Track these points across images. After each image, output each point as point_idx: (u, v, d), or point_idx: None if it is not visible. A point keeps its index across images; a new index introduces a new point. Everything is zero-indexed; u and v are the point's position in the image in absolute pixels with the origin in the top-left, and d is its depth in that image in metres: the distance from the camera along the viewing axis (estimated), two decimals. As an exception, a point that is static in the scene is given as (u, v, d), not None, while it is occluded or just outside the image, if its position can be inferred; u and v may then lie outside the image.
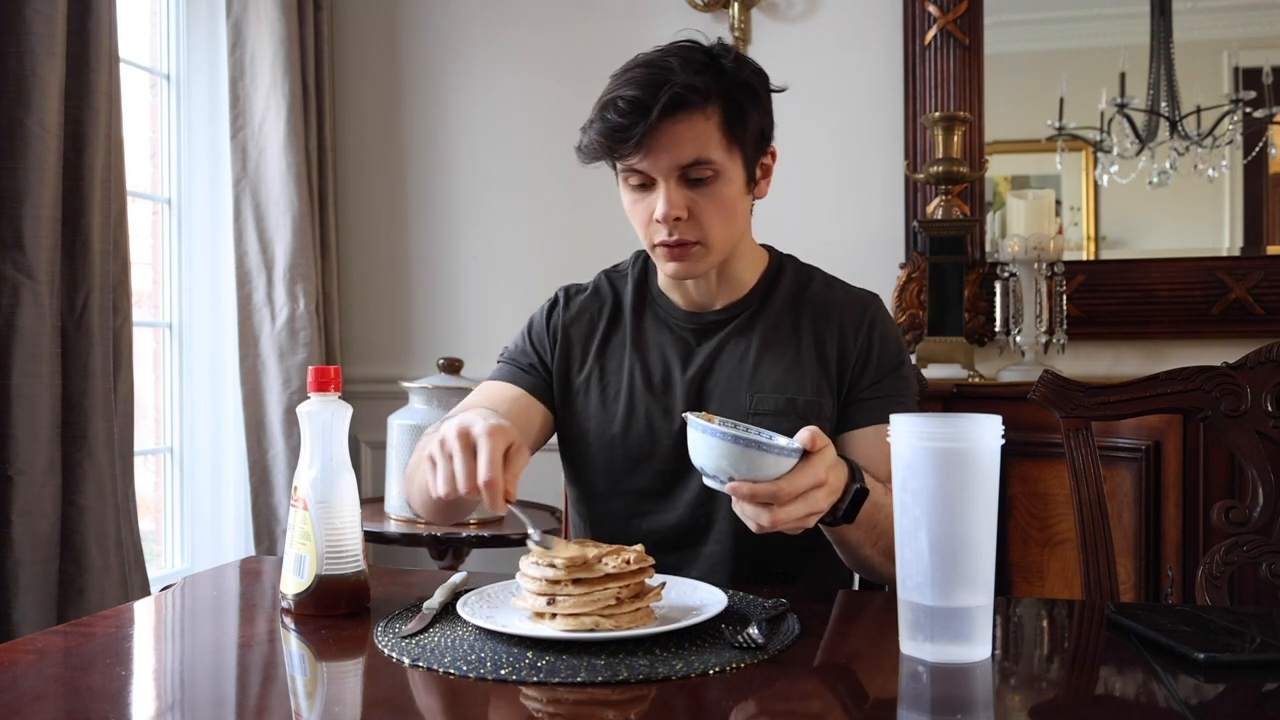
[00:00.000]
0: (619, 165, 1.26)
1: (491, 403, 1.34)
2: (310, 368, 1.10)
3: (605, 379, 1.37)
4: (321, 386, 1.08)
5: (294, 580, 1.05)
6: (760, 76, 1.30)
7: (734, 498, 1.01)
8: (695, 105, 1.21)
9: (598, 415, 1.36)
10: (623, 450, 1.34)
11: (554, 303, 1.44)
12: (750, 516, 1.02)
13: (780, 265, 1.41)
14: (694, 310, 1.37)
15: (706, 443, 1.00)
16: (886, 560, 1.07)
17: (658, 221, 1.25)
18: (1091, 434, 1.36)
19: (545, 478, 2.64)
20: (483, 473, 0.98)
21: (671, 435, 1.31)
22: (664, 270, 1.32)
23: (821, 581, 1.37)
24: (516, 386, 1.38)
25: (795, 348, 1.34)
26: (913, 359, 2.52)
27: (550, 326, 1.42)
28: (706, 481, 1.04)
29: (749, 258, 1.38)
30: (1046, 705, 0.85)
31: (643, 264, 1.44)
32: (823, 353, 1.33)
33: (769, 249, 1.43)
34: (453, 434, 1.01)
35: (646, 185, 1.26)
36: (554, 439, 1.43)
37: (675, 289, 1.38)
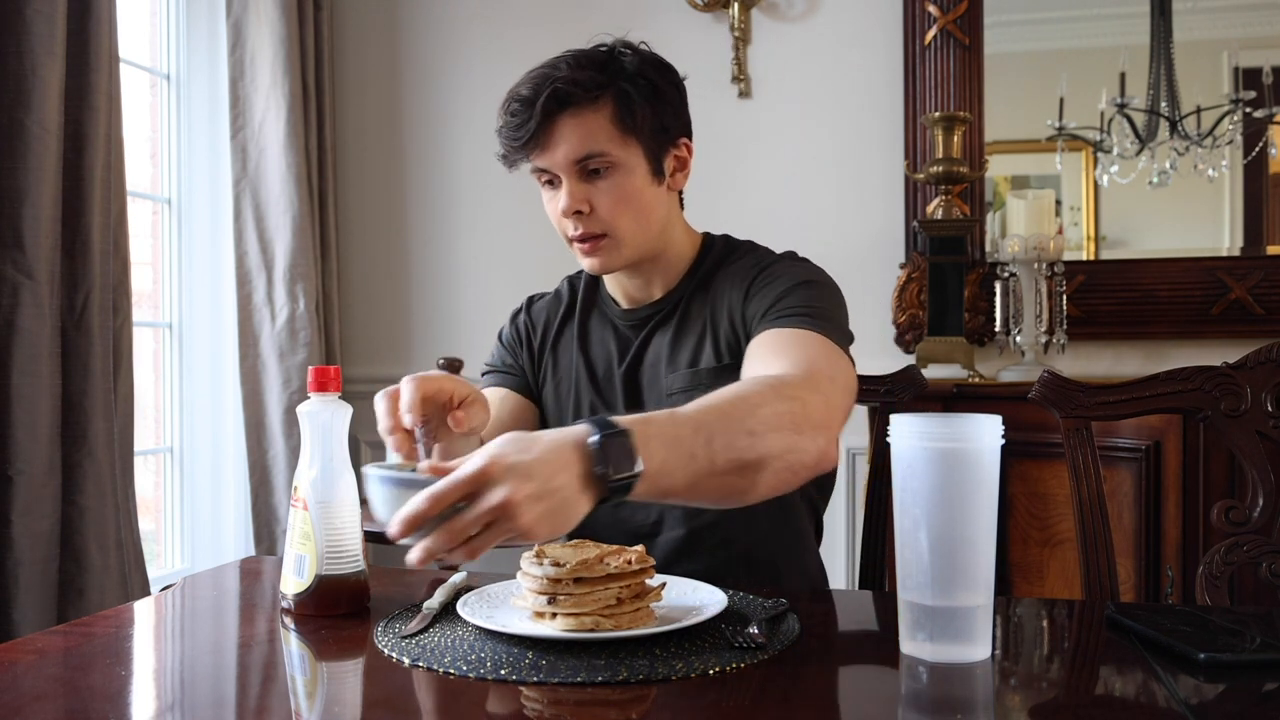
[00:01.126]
0: (530, 167, 1.31)
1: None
2: (310, 368, 1.10)
3: (558, 376, 1.43)
4: (321, 386, 1.08)
5: (294, 580, 1.05)
6: (660, 70, 1.33)
7: (423, 548, 0.84)
8: (583, 100, 1.25)
9: (554, 411, 1.42)
10: None
11: (517, 311, 1.51)
12: (445, 555, 0.85)
13: (708, 248, 1.42)
14: (632, 306, 1.41)
15: (372, 491, 0.89)
16: (739, 473, 0.98)
17: (564, 217, 1.29)
18: (1091, 434, 1.36)
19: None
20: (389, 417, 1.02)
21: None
22: (583, 265, 1.35)
23: (793, 557, 1.37)
24: (503, 388, 1.45)
25: (704, 320, 1.35)
26: (912, 359, 2.53)
27: (515, 331, 1.49)
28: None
29: (680, 248, 1.39)
30: (1046, 705, 0.85)
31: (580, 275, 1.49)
32: (718, 314, 1.34)
33: (708, 236, 1.44)
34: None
35: (554, 183, 1.30)
36: None
37: (617, 287, 1.42)
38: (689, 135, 1.37)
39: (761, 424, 1.00)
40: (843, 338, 1.23)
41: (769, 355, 1.17)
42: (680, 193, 1.40)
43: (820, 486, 1.44)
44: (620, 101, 1.27)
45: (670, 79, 1.34)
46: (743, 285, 1.32)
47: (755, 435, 0.99)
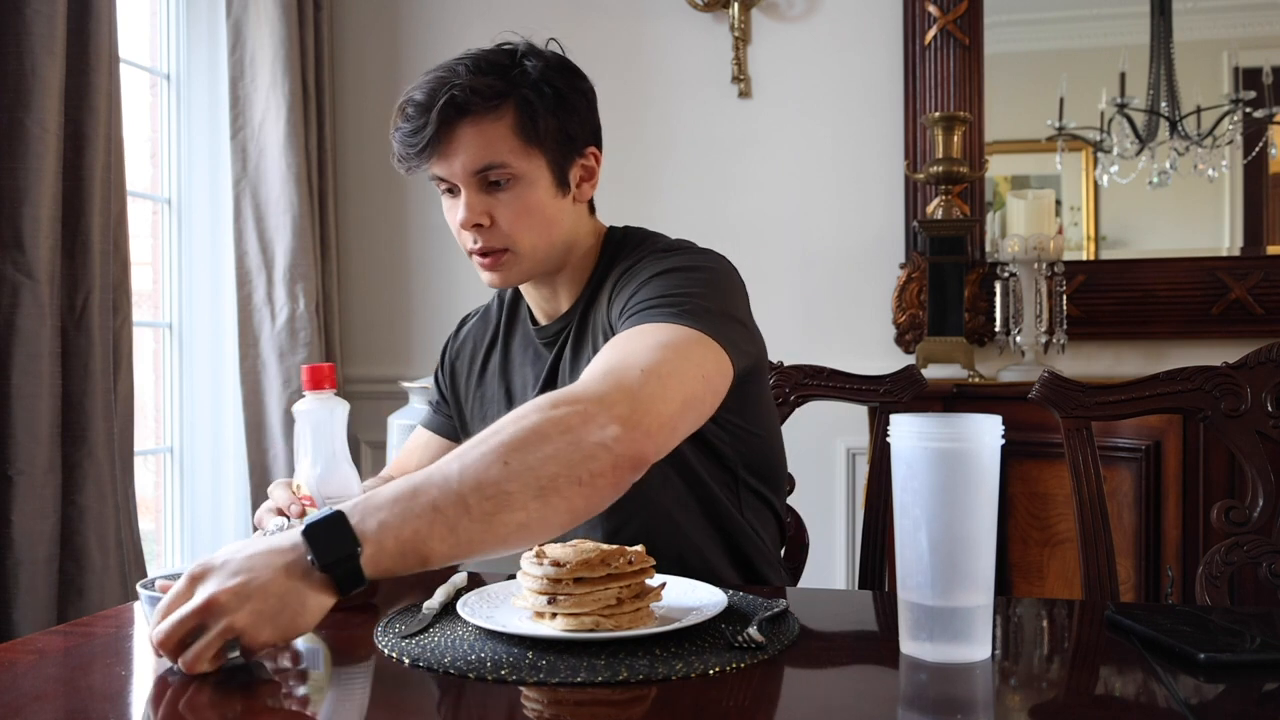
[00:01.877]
0: (428, 175, 1.25)
1: (411, 454, 1.42)
2: (304, 367, 1.10)
3: (484, 406, 1.38)
4: (316, 384, 1.08)
5: None
6: (566, 76, 1.27)
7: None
8: (481, 108, 1.19)
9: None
10: None
11: (448, 340, 1.47)
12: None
13: (605, 245, 1.33)
14: (546, 321, 1.35)
15: (147, 610, 0.90)
16: (510, 508, 0.89)
17: (463, 229, 1.23)
18: (1091, 434, 1.36)
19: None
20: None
21: None
22: (482, 279, 1.28)
23: (727, 548, 1.31)
24: (429, 431, 1.45)
25: (593, 331, 1.29)
26: (912, 359, 2.53)
27: (445, 363, 1.46)
28: None
29: (585, 255, 1.32)
30: (1046, 705, 0.85)
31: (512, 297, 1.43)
32: (599, 324, 1.27)
33: (609, 232, 1.35)
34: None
35: (454, 191, 1.24)
36: None
37: (533, 302, 1.36)
38: (598, 144, 1.30)
39: (512, 449, 0.90)
40: (708, 320, 1.10)
41: (591, 364, 1.06)
42: (590, 200, 1.33)
43: (761, 475, 1.33)
44: (522, 110, 1.21)
45: (577, 85, 1.28)
46: (611, 286, 1.25)
47: (508, 464, 0.89)
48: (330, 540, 0.85)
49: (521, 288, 1.36)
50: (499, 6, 2.93)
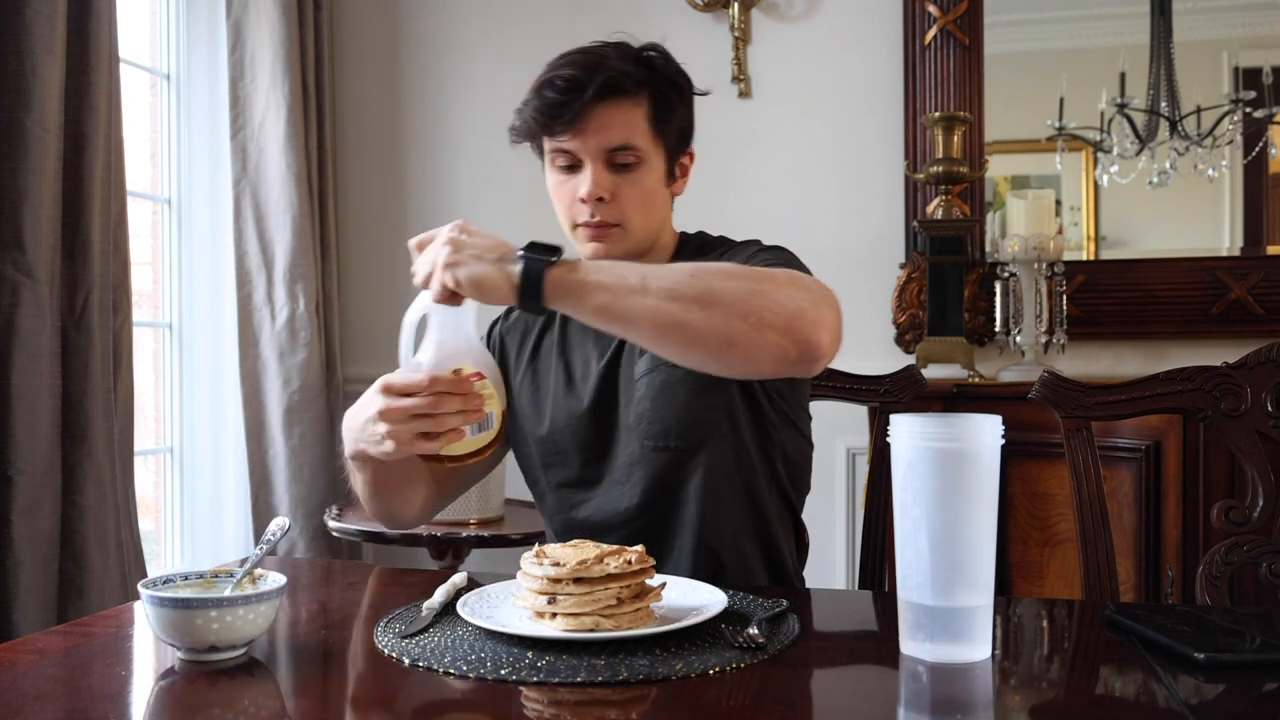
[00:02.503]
0: (548, 145, 1.33)
1: None
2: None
3: (536, 383, 1.41)
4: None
5: (474, 439, 1.09)
6: (686, 78, 1.36)
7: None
8: (627, 92, 1.28)
9: (530, 417, 1.40)
10: (549, 446, 1.37)
11: (500, 317, 1.50)
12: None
13: (684, 244, 1.43)
14: None
15: (148, 610, 0.94)
16: (680, 303, 1.03)
17: (581, 201, 1.29)
18: (1091, 434, 1.36)
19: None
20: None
21: (584, 425, 1.34)
22: (582, 251, 1.34)
23: (761, 546, 1.35)
24: None
25: None
26: (912, 359, 2.53)
27: (492, 337, 1.48)
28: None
29: (663, 248, 1.40)
30: (1046, 705, 0.85)
31: None
32: None
33: (683, 234, 1.45)
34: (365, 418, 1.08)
35: (573, 167, 1.31)
36: None
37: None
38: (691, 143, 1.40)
39: (709, 271, 1.06)
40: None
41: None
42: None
43: (793, 479, 1.39)
44: (657, 101, 1.30)
45: (692, 88, 1.37)
46: (713, 254, 1.35)
47: (697, 275, 1.05)
48: (540, 246, 1.05)
49: None
50: (499, 6, 2.93)
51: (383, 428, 1.06)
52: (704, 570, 1.29)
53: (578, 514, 1.36)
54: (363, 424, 1.11)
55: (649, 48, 1.34)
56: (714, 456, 1.30)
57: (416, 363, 1.08)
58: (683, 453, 1.29)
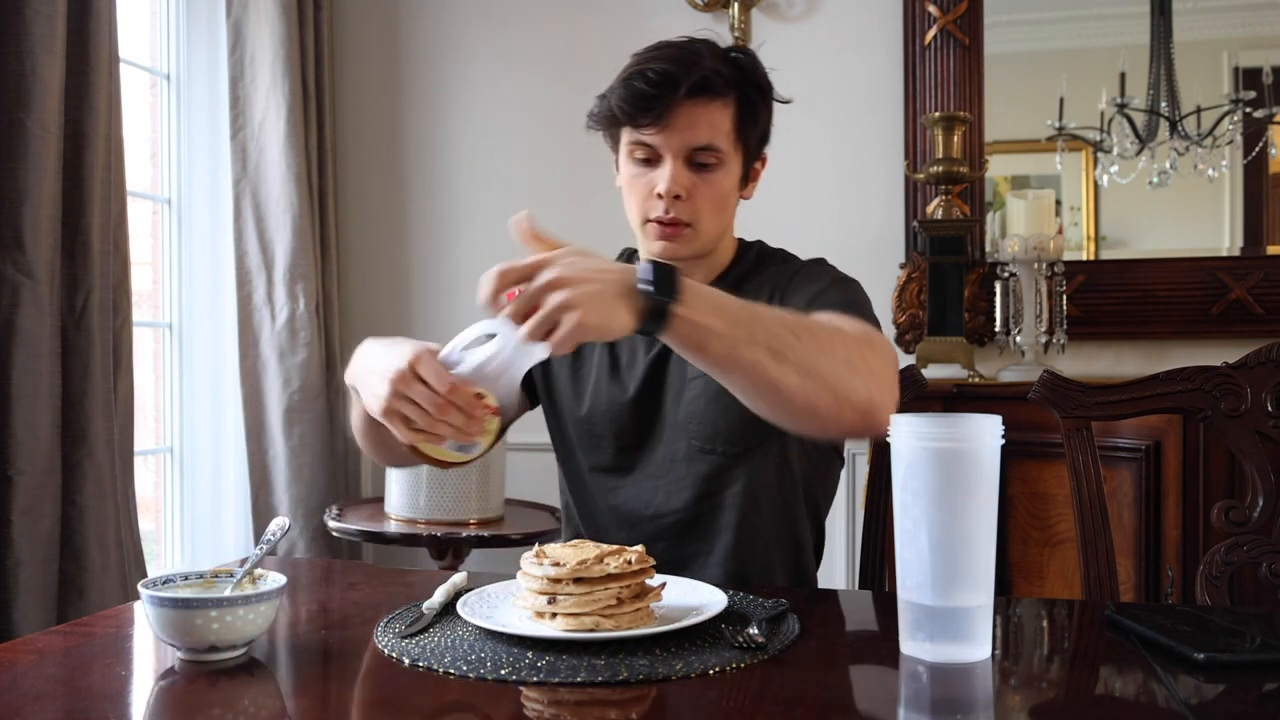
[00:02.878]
0: (628, 137, 1.30)
1: None
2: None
3: (578, 364, 1.41)
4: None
5: (447, 450, 1.08)
6: (769, 83, 1.35)
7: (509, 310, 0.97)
8: (717, 92, 1.26)
9: (568, 396, 1.40)
10: (586, 429, 1.37)
11: None
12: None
13: (744, 252, 1.43)
14: None
15: (148, 609, 0.93)
16: (780, 365, 1.02)
17: (657, 197, 1.28)
18: (1091, 434, 1.36)
19: (543, 478, 2.64)
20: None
21: (624, 413, 1.34)
22: (650, 249, 1.34)
23: (788, 556, 1.37)
24: None
25: None
26: (912, 359, 2.53)
27: None
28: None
29: (724, 250, 1.40)
30: (1046, 705, 0.85)
31: (626, 259, 1.46)
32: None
33: (742, 241, 1.45)
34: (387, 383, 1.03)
35: (651, 161, 1.29)
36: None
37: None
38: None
39: (811, 333, 1.05)
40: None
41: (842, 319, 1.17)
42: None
43: (824, 496, 1.44)
44: (743, 105, 1.30)
45: (775, 94, 1.36)
46: (774, 289, 1.34)
47: (799, 338, 1.03)
48: (663, 278, 0.98)
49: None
50: (499, 6, 2.93)
51: (383, 390, 1.03)
52: (732, 577, 1.30)
53: (610, 500, 1.36)
54: (371, 372, 1.07)
55: (737, 49, 1.33)
56: (758, 468, 1.31)
57: (459, 357, 1.04)
58: (729, 459, 1.30)
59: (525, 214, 1.06)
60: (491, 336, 1.02)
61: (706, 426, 1.30)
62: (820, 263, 1.39)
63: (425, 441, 1.05)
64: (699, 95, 1.25)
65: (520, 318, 0.96)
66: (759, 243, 1.46)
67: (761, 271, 1.39)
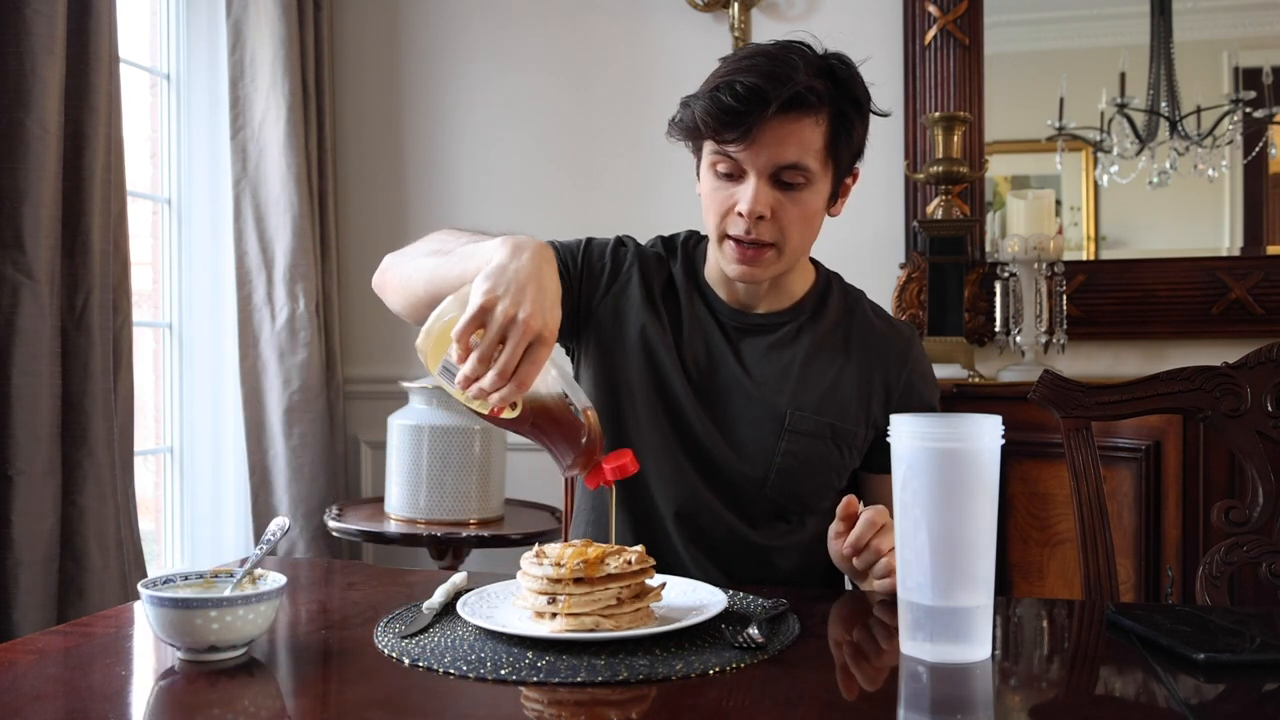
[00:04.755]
0: (711, 148, 1.24)
1: None
2: (611, 467, 1.07)
3: (649, 326, 1.34)
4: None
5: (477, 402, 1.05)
6: (868, 94, 1.28)
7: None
8: (810, 108, 1.19)
9: (601, 369, 1.35)
10: (648, 413, 1.33)
11: (620, 243, 1.40)
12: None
13: (829, 282, 1.40)
14: (738, 307, 1.36)
15: (148, 610, 0.93)
16: None
17: (738, 215, 1.23)
18: (1091, 434, 1.36)
19: (544, 477, 2.64)
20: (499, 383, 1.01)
21: (708, 425, 1.32)
22: (727, 269, 1.29)
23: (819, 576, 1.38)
24: None
25: (840, 371, 1.34)
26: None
27: (615, 259, 1.38)
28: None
29: (800, 268, 1.36)
30: (1046, 705, 0.85)
31: (693, 246, 1.41)
32: (867, 384, 1.34)
33: (815, 263, 1.42)
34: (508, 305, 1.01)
35: (734, 175, 1.23)
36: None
37: (721, 283, 1.36)
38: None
39: None
40: None
41: None
42: None
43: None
44: (837, 121, 1.23)
45: (872, 105, 1.29)
46: (903, 380, 1.35)
47: None
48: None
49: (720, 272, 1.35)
50: (499, 6, 2.93)
51: (478, 300, 1.01)
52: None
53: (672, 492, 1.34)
54: (510, 279, 1.03)
55: (835, 58, 1.25)
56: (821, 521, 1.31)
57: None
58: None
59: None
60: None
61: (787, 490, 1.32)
62: (928, 374, 1.38)
63: (461, 388, 1.03)
64: (791, 111, 1.18)
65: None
66: (837, 276, 1.42)
67: (851, 320, 1.37)
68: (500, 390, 1.00)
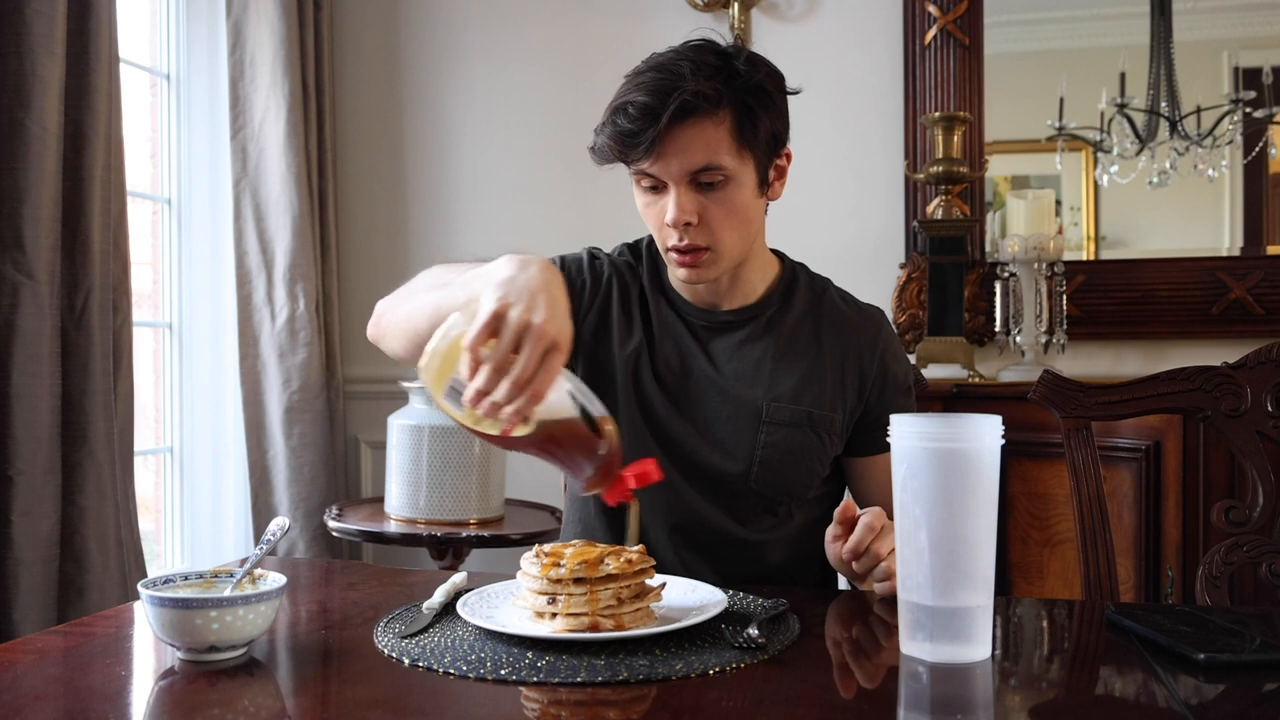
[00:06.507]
0: (630, 168, 1.27)
1: None
2: (634, 474, 1.01)
3: (626, 337, 1.35)
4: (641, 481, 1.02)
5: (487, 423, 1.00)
6: (774, 79, 1.29)
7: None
8: (705, 111, 1.20)
9: (618, 377, 1.34)
10: (628, 423, 1.33)
11: (594, 256, 1.42)
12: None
13: (794, 274, 1.41)
14: (705, 307, 1.37)
15: (148, 610, 0.92)
16: None
17: (668, 225, 1.25)
18: (1091, 434, 1.36)
19: (545, 477, 2.64)
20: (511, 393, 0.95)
21: (686, 427, 1.33)
22: (675, 275, 1.32)
23: (811, 573, 1.38)
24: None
25: (813, 360, 1.35)
26: (912, 359, 2.53)
27: (594, 272, 1.39)
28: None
29: (760, 261, 1.37)
30: (1046, 705, 0.85)
31: (657, 251, 1.41)
32: (841, 370, 1.35)
33: (779, 255, 1.43)
34: (521, 310, 0.97)
35: (658, 188, 1.26)
36: None
37: (685, 285, 1.38)
38: (787, 143, 1.34)
39: None
40: None
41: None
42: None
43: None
44: (740, 114, 1.23)
45: (782, 87, 1.30)
46: (876, 361, 1.35)
47: None
48: None
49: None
50: (499, 6, 2.93)
51: (491, 306, 0.97)
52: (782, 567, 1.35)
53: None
54: (514, 288, 0.99)
55: (730, 52, 1.26)
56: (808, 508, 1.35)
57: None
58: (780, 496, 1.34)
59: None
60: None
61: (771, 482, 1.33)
62: (900, 354, 1.39)
63: (471, 406, 0.97)
64: (686, 119, 1.20)
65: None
66: (802, 267, 1.43)
67: (820, 308, 1.38)
68: (515, 403, 0.94)
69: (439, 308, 1.12)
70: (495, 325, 0.96)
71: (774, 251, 1.42)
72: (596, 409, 1.02)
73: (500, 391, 0.94)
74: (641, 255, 1.42)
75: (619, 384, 1.34)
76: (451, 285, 1.14)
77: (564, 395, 1.01)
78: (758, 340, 1.35)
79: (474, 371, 0.95)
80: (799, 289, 1.39)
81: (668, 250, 1.29)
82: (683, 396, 1.34)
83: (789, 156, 1.34)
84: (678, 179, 1.23)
